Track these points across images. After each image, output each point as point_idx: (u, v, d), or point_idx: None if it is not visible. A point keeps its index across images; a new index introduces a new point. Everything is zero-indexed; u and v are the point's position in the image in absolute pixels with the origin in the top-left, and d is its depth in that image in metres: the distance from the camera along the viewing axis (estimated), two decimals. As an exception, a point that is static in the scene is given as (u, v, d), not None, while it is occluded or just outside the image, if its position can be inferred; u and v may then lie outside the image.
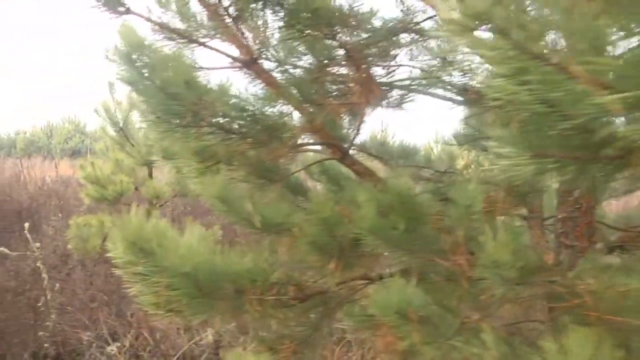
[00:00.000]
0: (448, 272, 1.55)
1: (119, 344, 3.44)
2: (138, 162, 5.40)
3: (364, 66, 2.01)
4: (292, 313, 1.78)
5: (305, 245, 1.55)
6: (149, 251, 1.41)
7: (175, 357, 3.02)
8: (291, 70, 2.00)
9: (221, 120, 1.57)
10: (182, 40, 1.81)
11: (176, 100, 1.57)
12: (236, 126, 1.64)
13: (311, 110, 1.88)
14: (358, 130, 2.20)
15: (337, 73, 2.04)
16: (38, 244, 3.65)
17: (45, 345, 3.07)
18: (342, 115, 2.08)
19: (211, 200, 1.59)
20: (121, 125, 5.28)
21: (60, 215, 6.13)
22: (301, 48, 1.95)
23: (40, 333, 3.08)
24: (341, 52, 1.98)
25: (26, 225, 3.75)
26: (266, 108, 1.62)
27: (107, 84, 5.26)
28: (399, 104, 2.15)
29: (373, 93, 2.09)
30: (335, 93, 2.08)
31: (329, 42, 1.87)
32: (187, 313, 1.50)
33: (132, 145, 5.32)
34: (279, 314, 1.73)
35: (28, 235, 3.61)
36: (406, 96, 2.25)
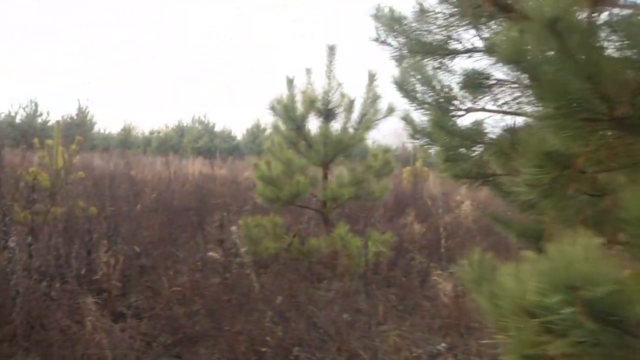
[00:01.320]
0: None
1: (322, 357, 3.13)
2: (315, 162, 5.14)
3: None
4: None
5: None
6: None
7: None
8: None
9: None
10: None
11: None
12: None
13: None
14: None
15: None
16: (245, 248, 3.44)
17: (269, 361, 2.82)
18: None
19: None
20: (298, 123, 5.05)
21: (225, 214, 6.06)
22: None
23: (264, 349, 2.83)
24: None
25: (233, 229, 3.56)
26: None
27: (285, 79, 5.06)
28: None
29: None
30: None
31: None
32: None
33: (310, 145, 5.07)
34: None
35: (237, 239, 3.41)
36: None
